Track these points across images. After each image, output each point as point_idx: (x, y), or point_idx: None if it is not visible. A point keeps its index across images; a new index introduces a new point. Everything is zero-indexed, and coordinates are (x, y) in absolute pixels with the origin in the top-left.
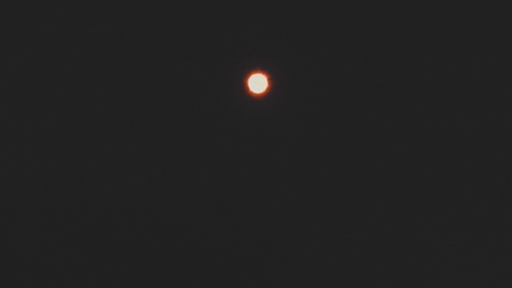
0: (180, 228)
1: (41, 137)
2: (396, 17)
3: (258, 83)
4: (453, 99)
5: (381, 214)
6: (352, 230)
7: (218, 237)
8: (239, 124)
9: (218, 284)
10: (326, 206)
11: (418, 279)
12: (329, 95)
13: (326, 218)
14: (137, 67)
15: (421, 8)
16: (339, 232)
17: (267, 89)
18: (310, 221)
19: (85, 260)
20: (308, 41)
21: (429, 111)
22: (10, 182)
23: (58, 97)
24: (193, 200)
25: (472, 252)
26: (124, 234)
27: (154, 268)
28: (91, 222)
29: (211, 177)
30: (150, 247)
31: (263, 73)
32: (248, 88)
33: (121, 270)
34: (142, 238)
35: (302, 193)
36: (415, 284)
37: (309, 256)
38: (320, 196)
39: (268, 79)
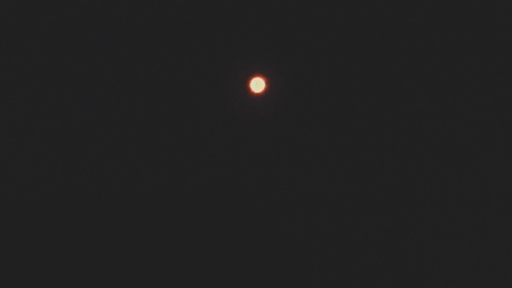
0: (182, 226)
1: (41, 136)
2: (396, 18)
3: (258, 84)
4: (452, 99)
5: (381, 213)
6: (352, 229)
7: (218, 235)
8: (240, 121)
9: (219, 283)
10: (326, 203)
11: (417, 279)
12: (323, 95)
13: (326, 217)
14: (145, 68)
15: (417, 15)
16: (339, 231)
17: (267, 89)
18: (309, 219)
19: (85, 259)
20: (304, 47)
21: (430, 113)
22: (10, 181)
23: (67, 94)
24: (195, 197)
25: (472, 252)
26: (126, 233)
27: (154, 267)
28: (91, 221)
29: (214, 172)
30: (151, 246)
31: (263, 75)
32: (249, 89)
33: (120, 269)
34: (143, 237)
35: (301, 186)
36: (415, 284)
37: (310, 255)
38: (320, 191)
39: (268, 81)
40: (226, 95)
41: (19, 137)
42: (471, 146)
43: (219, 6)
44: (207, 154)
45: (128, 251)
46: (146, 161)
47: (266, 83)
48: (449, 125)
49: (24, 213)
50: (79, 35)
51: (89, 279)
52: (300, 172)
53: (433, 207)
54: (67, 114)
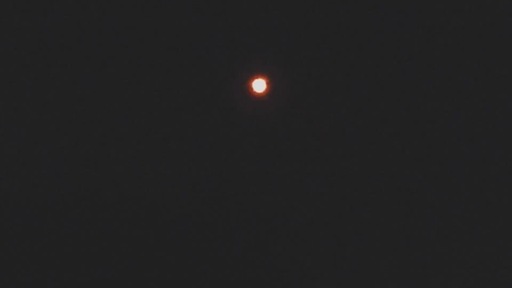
0: (183, 224)
1: (41, 135)
2: (396, 19)
3: (260, 84)
4: (452, 99)
5: (381, 212)
6: (353, 228)
7: (220, 234)
8: (242, 119)
9: (219, 282)
10: (326, 200)
11: (417, 279)
12: (323, 95)
13: (327, 215)
14: (153, 68)
15: (417, 16)
16: (340, 229)
17: (268, 90)
18: (310, 217)
19: (84, 259)
20: (304, 49)
21: (431, 114)
22: (10, 180)
23: (75, 91)
24: (199, 194)
25: (472, 252)
26: (127, 232)
27: (153, 266)
28: (91, 221)
29: (217, 168)
30: (154, 245)
31: (264, 76)
32: (251, 89)
33: (120, 268)
34: (146, 236)
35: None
36: (414, 284)
37: (310, 255)
38: (319, 190)
39: (269, 81)
40: (228, 95)
41: (19, 137)
42: (470, 146)
43: (223, 10)
44: (210, 151)
45: (128, 251)
46: (150, 160)
47: (267, 84)
48: (454, 124)
49: (24, 213)
50: (85, 36)
51: (89, 279)
52: (299, 169)
53: (432, 207)
54: (70, 113)
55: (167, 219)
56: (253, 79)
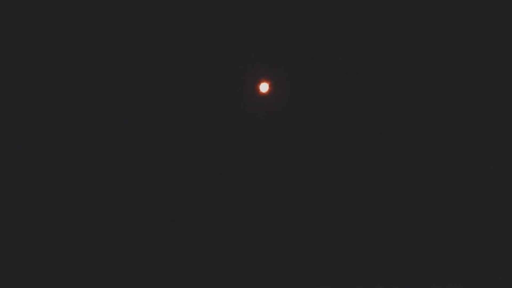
0: (190, 221)
1: (41, 135)
2: (396, 21)
3: (266, 85)
4: (452, 99)
5: (381, 212)
6: (354, 227)
7: (224, 226)
8: (250, 116)
9: (219, 282)
10: (327, 197)
11: (417, 279)
12: (323, 95)
13: (328, 211)
14: (169, 71)
15: (418, 19)
16: (341, 229)
17: (273, 91)
18: (313, 213)
19: (84, 259)
20: (305, 55)
21: (431, 114)
22: (10, 180)
23: (80, 90)
24: (203, 191)
25: (472, 252)
26: (130, 231)
27: (154, 266)
28: (91, 221)
29: (226, 161)
30: (157, 244)
31: (270, 78)
32: (258, 90)
33: (120, 267)
34: (150, 234)
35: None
36: (414, 284)
37: (310, 254)
38: (319, 188)
39: (273, 83)
40: (237, 95)
41: (19, 137)
42: (470, 146)
43: (239, 26)
44: (220, 144)
45: (128, 251)
46: (162, 158)
47: (272, 85)
48: (454, 124)
49: (23, 213)
50: (95, 37)
51: (89, 279)
52: (300, 164)
53: (432, 206)
54: (72, 113)
55: (173, 216)
56: (259, 82)
